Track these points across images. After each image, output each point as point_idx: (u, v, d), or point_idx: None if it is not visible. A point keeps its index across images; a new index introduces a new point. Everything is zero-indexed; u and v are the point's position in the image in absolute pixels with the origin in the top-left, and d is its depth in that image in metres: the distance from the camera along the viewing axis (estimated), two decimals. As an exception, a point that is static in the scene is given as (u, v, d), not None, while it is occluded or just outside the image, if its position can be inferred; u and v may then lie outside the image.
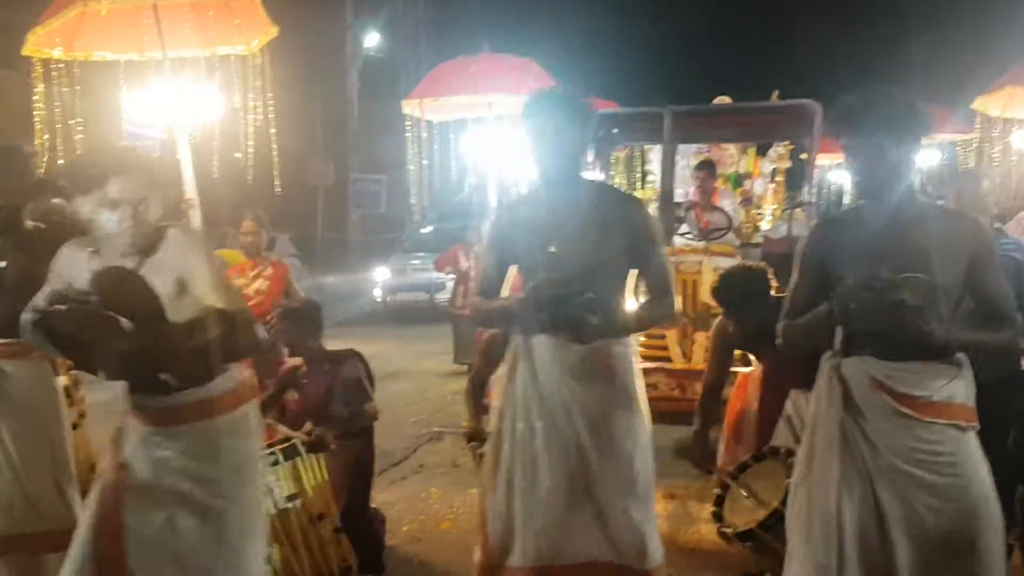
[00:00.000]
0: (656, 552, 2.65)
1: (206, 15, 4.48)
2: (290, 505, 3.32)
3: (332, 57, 17.69)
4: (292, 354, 4.02)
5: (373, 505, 3.98)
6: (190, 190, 4.50)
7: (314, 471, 3.44)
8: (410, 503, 4.69)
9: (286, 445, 3.40)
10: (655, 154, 7.68)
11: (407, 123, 6.71)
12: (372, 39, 19.60)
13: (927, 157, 9.65)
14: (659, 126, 5.71)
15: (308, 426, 3.56)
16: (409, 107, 6.36)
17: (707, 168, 6.28)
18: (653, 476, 2.73)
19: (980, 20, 12.60)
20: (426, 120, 6.51)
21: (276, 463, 3.31)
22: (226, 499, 2.40)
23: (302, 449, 3.41)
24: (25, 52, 4.20)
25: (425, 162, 7.03)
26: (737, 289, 3.55)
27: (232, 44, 4.56)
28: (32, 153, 3.36)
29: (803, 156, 6.96)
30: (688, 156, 7.60)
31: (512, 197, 4.64)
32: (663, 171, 6.08)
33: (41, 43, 4.24)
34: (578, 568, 2.61)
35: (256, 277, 4.87)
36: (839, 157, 10.10)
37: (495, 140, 6.42)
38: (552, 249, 2.62)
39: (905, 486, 2.21)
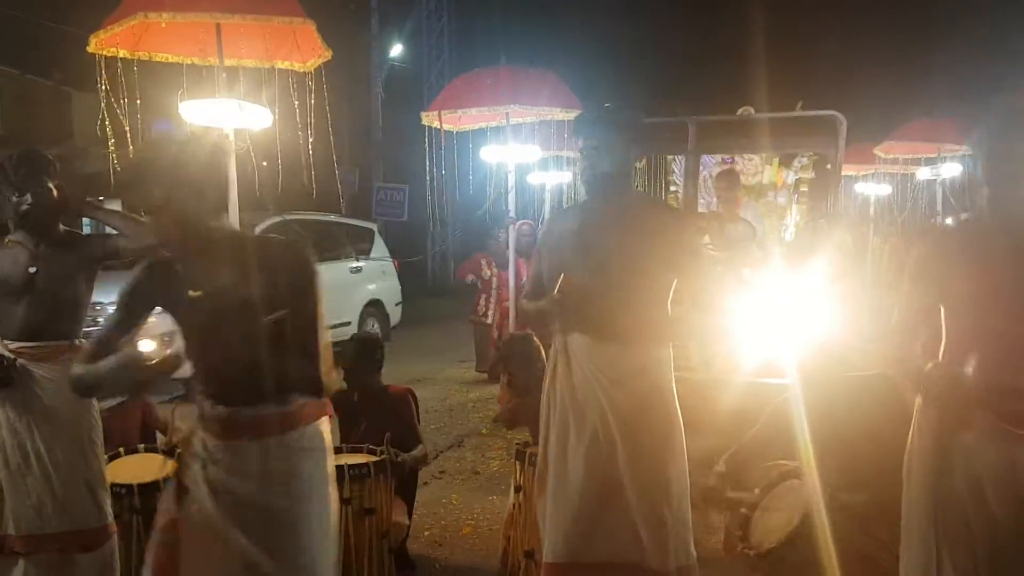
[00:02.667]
0: (682, 556, 2.69)
1: (267, 32, 4.68)
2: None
3: (357, 67, 17.82)
4: (349, 387, 4.07)
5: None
6: (233, 198, 4.63)
7: (382, 491, 3.51)
8: (431, 508, 4.72)
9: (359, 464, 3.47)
10: (678, 164, 7.70)
11: (426, 135, 6.76)
12: (396, 49, 19.77)
13: (950, 169, 9.57)
14: (683, 136, 5.74)
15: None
16: (428, 119, 6.42)
17: (730, 178, 6.28)
18: (687, 481, 2.77)
19: (1004, 33, 12.51)
20: (445, 131, 6.57)
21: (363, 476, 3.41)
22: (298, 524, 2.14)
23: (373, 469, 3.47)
24: (90, 50, 4.33)
25: (444, 172, 7.13)
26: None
27: (291, 60, 4.77)
28: (53, 159, 3.38)
29: (828, 167, 6.94)
30: (710, 166, 7.61)
31: (563, 207, 4.75)
32: (686, 181, 6.10)
33: (104, 44, 4.39)
34: (604, 567, 2.66)
35: None
36: (867, 168, 10.09)
37: (513, 150, 6.47)
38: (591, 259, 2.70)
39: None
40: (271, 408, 2.15)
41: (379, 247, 10.92)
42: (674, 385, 2.80)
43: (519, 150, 6.43)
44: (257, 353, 2.08)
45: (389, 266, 11.07)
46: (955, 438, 2.16)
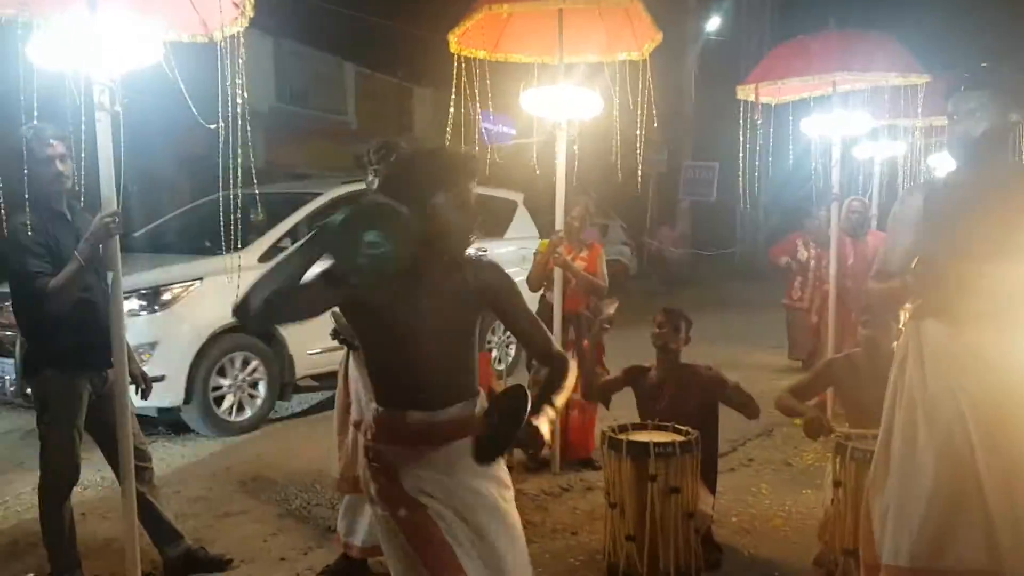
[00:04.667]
0: None
1: (606, 24, 4.90)
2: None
3: (671, 43, 17.70)
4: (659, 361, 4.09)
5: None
6: (561, 183, 4.90)
7: (688, 471, 3.50)
8: (739, 495, 4.60)
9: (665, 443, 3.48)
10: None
11: (741, 109, 6.50)
12: (713, 23, 19.29)
13: None
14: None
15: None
16: (744, 92, 6.16)
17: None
18: None
19: None
20: (762, 104, 6.25)
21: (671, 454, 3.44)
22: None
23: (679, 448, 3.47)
24: (452, 50, 4.84)
25: (759, 148, 6.81)
26: None
27: (628, 50, 4.94)
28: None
29: None
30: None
31: (930, 180, 4.41)
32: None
33: (466, 43, 4.88)
34: (955, 574, 2.42)
35: (574, 260, 5.12)
36: None
37: (841, 121, 5.99)
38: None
39: None
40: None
41: (523, 224, 8.74)
42: None
43: (847, 120, 5.94)
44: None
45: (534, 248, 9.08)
46: None
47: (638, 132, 5.09)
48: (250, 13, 3.22)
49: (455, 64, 4.91)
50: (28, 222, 3.15)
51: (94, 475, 4.76)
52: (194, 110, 3.21)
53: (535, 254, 5.31)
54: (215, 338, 5.87)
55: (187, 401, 5.76)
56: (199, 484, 4.91)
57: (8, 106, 2.89)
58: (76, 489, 3.49)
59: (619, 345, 6.24)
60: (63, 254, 3.20)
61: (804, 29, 6.07)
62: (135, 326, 5.40)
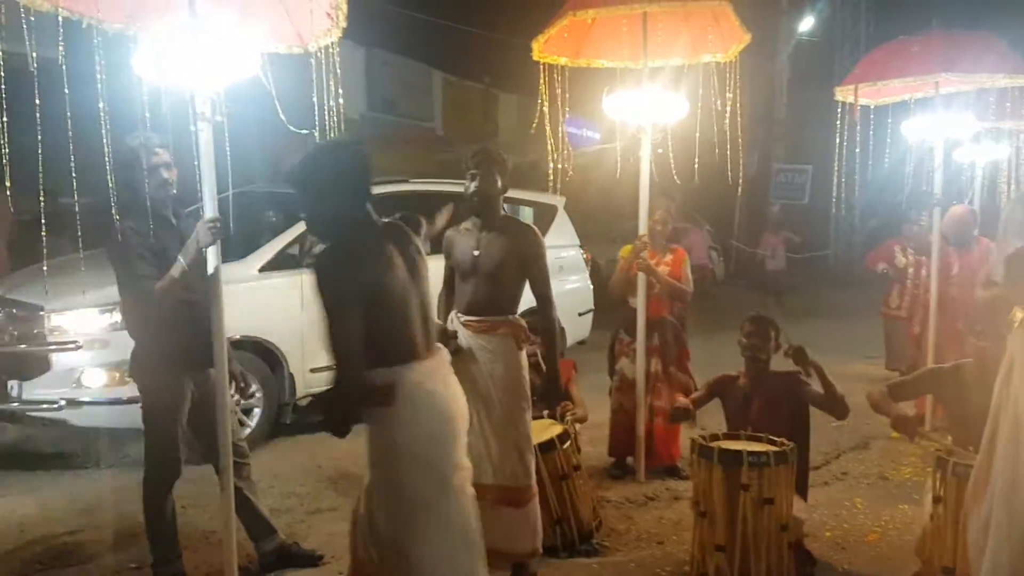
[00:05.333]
0: None
1: (690, 27, 4.86)
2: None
3: (761, 44, 17.29)
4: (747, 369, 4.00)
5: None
6: (645, 187, 4.85)
7: (782, 481, 3.39)
8: (833, 509, 4.46)
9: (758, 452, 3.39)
10: None
11: (838, 110, 6.31)
12: (806, 23, 18.75)
13: None
14: None
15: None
16: (843, 93, 5.99)
17: None
18: None
19: None
20: (860, 106, 6.05)
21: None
22: None
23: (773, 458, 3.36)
24: (535, 58, 4.88)
25: (856, 151, 6.59)
26: None
27: (713, 52, 4.88)
28: (506, 160, 3.80)
29: None
30: None
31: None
32: None
33: (549, 50, 4.91)
34: None
35: (658, 264, 5.03)
36: None
37: (944, 123, 5.75)
38: None
39: None
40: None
41: (562, 231, 7.98)
42: None
43: (951, 122, 5.70)
44: None
45: (573, 258, 8.06)
46: None
47: (728, 134, 5.00)
48: (343, 24, 3.31)
49: (540, 70, 4.92)
50: (135, 227, 3.31)
51: (194, 470, 4.95)
52: (283, 119, 3.31)
53: (618, 259, 5.24)
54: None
55: None
56: (292, 480, 5.05)
57: (117, 116, 3.04)
58: (177, 482, 3.63)
59: (706, 352, 6.13)
60: (168, 258, 3.34)
61: (901, 31, 5.86)
62: (116, 343, 4.82)
